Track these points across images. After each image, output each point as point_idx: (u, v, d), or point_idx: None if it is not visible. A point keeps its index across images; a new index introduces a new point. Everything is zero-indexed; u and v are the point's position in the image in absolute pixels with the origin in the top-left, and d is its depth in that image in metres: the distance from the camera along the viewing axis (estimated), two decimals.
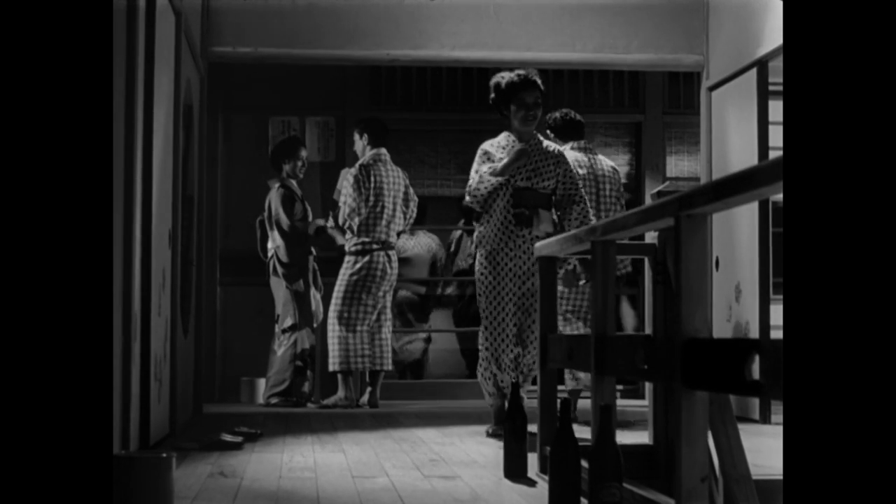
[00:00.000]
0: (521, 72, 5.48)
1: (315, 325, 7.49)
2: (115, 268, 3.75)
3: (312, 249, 7.53)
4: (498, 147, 5.50)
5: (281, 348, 7.34)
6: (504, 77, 5.47)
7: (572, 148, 6.34)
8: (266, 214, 7.44)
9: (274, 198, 7.40)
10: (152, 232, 4.45)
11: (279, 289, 7.40)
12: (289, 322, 7.34)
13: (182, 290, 5.61)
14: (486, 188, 5.35)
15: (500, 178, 5.32)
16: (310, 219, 7.54)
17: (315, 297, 7.47)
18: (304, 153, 7.58)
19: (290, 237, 7.35)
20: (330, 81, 8.43)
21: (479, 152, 5.52)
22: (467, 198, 5.46)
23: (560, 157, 5.52)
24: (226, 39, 6.84)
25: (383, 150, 7.33)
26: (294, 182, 7.52)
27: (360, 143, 7.36)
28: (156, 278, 4.58)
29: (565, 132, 6.51)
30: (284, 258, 7.34)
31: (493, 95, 5.51)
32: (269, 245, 7.44)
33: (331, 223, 7.43)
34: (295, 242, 7.37)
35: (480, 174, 5.37)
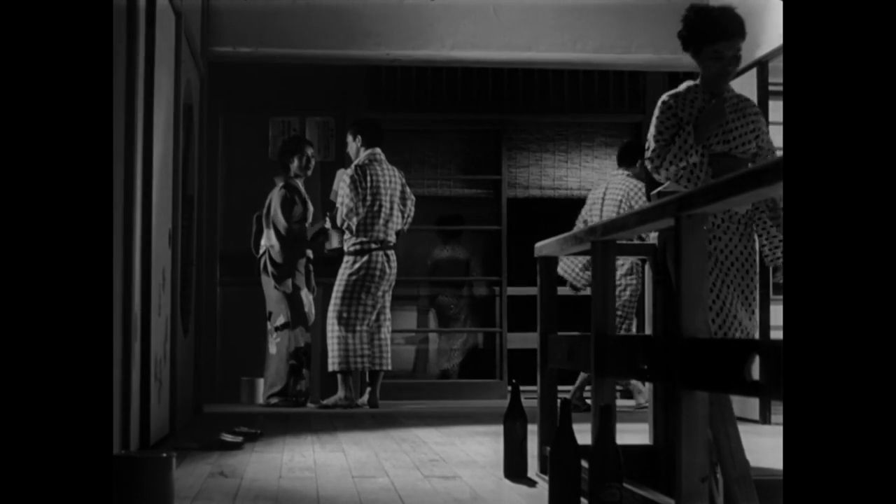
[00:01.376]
0: (728, 7, 4.28)
1: (309, 326, 7.50)
2: (115, 268, 3.75)
3: (309, 253, 7.53)
4: (685, 102, 4.35)
5: (274, 348, 7.35)
6: (701, 13, 4.30)
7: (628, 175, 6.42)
8: (265, 211, 7.44)
9: (275, 197, 7.41)
10: (152, 232, 4.45)
11: (269, 287, 7.41)
12: (281, 320, 7.35)
13: (182, 290, 5.61)
14: (681, 157, 4.13)
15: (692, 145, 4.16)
16: (309, 220, 7.54)
17: (307, 297, 7.47)
18: (310, 151, 7.59)
19: (286, 239, 7.36)
20: (330, 81, 8.43)
21: (661, 107, 4.34)
22: (649, 166, 4.25)
23: (757, 110, 4.39)
24: (226, 39, 6.84)
25: (378, 150, 7.33)
26: (300, 181, 7.53)
27: (353, 144, 7.37)
28: (156, 278, 4.59)
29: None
30: (278, 259, 7.35)
31: (683, 31, 4.37)
32: (263, 242, 7.44)
33: (328, 223, 7.44)
34: (289, 245, 7.38)
35: (680, 140, 4.16)
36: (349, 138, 7.40)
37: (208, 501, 3.33)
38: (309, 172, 7.57)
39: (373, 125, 7.41)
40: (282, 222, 7.34)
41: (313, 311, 7.53)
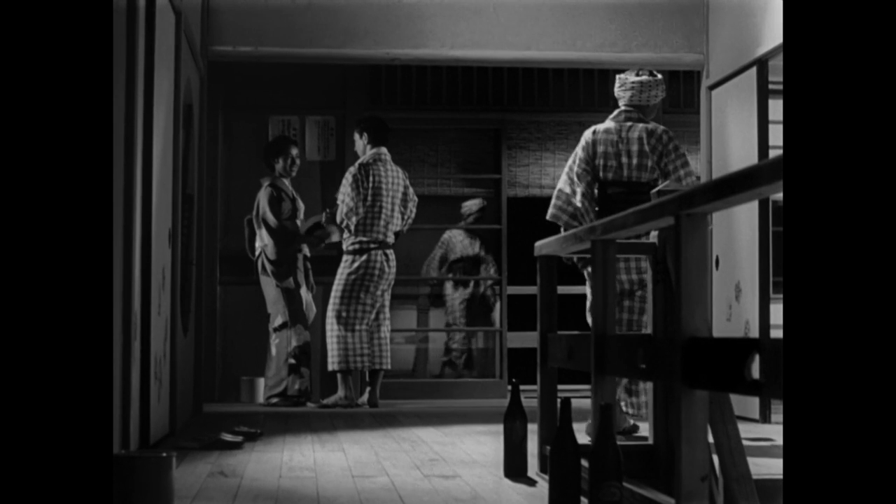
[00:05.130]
0: None
1: (309, 325, 7.50)
2: (115, 267, 3.75)
3: (306, 250, 7.53)
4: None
5: (274, 349, 7.35)
6: None
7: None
8: (254, 213, 7.45)
9: (262, 197, 7.42)
10: (152, 231, 4.45)
11: (269, 287, 7.41)
12: (279, 321, 7.35)
13: (182, 290, 5.61)
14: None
15: None
16: (300, 217, 7.53)
17: (306, 295, 7.47)
18: (295, 151, 7.57)
19: (278, 236, 7.36)
20: (330, 80, 8.43)
21: None
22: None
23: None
24: (226, 38, 6.84)
25: (384, 150, 7.33)
26: (286, 181, 7.52)
27: (360, 142, 7.37)
28: (156, 278, 4.58)
29: None
30: (272, 256, 7.35)
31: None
32: (257, 244, 7.45)
33: (324, 218, 7.44)
34: (283, 241, 7.38)
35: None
36: (356, 136, 7.40)
37: (208, 501, 3.33)
38: (293, 173, 7.56)
39: (379, 123, 7.40)
40: (272, 220, 7.35)
41: (313, 308, 7.53)
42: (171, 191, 5.15)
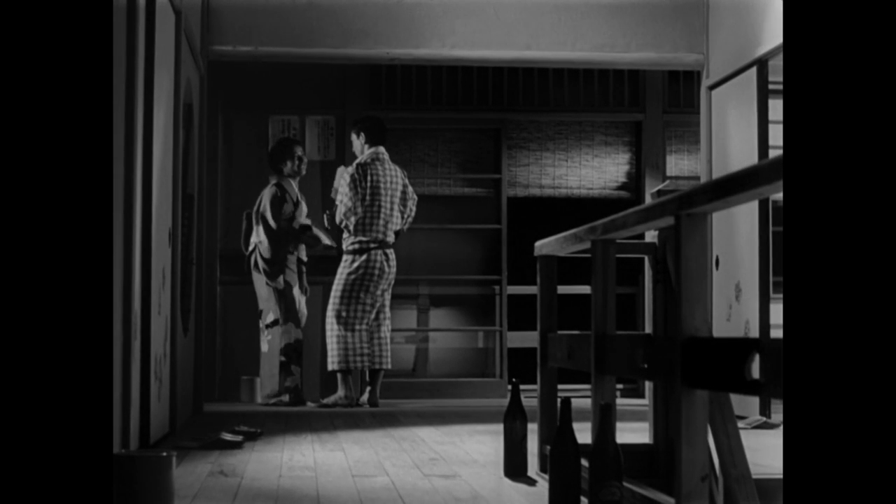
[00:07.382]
0: None
1: (301, 326, 7.50)
2: (115, 267, 3.75)
3: (302, 253, 7.53)
4: None
5: (266, 346, 7.37)
6: None
7: None
8: (255, 208, 7.46)
9: (265, 195, 7.43)
10: (152, 231, 4.45)
11: (260, 284, 7.42)
12: (271, 317, 7.37)
13: (182, 289, 5.61)
14: None
15: None
16: (300, 218, 7.53)
17: (299, 297, 7.47)
18: (300, 150, 7.58)
19: (274, 236, 7.36)
20: (330, 80, 8.43)
21: None
22: None
23: None
24: (226, 38, 6.84)
25: (381, 149, 7.33)
26: (293, 182, 7.52)
27: (357, 142, 7.38)
28: (156, 277, 4.58)
29: None
30: (266, 255, 7.36)
31: None
32: (252, 239, 7.46)
33: (325, 220, 7.44)
34: (278, 242, 7.38)
35: None
36: (353, 136, 7.41)
37: (208, 501, 3.33)
38: (302, 172, 7.57)
39: (377, 123, 7.41)
40: (271, 221, 7.35)
41: (305, 311, 7.54)
42: (171, 191, 5.15)
